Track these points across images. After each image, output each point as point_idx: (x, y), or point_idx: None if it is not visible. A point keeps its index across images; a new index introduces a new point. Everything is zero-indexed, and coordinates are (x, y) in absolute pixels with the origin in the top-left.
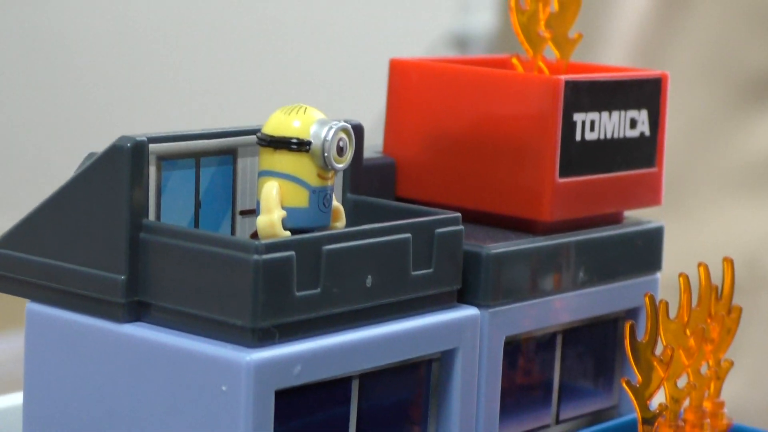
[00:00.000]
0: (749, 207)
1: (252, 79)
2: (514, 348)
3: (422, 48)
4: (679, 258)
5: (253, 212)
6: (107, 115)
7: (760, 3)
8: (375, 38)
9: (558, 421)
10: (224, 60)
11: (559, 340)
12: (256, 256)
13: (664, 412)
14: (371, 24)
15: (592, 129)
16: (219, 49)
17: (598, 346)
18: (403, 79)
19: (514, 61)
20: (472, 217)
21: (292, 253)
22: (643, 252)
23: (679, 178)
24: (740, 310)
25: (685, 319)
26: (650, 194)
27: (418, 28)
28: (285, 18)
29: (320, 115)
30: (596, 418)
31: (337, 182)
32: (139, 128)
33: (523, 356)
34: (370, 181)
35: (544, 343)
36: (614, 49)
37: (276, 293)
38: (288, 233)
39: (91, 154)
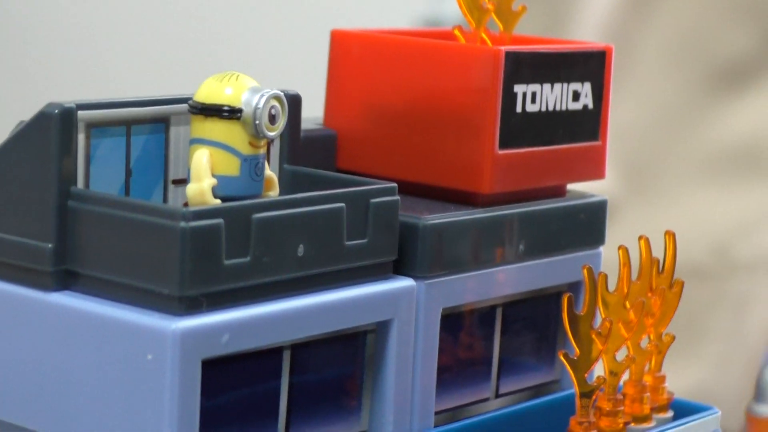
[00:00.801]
0: (718, 194)
1: (208, 52)
2: (452, 320)
3: None
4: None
5: (186, 181)
6: (37, 83)
7: None
8: (345, 21)
9: (498, 395)
10: (169, 27)
11: (499, 313)
12: (183, 224)
13: (603, 386)
14: (341, 8)
15: (533, 101)
16: (155, 13)
17: (539, 320)
18: (344, 50)
19: (457, 32)
20: (412, 190)
21: (221, 220)
22: (586, 226)
23: (648, 164)
24: (682, 284)
25: (625, 291)
26: (593, 168)
27: (389, 13)
28: None
29: (252, 83)
30: (537, 392)
31: (274, 153)
32: (69, 95)
33: (461, 329)
34: (311, 153)
35: (483, 315)
36: (584, 35)
37: (204, 261)
38: (218, 201)
39: (21, 123)
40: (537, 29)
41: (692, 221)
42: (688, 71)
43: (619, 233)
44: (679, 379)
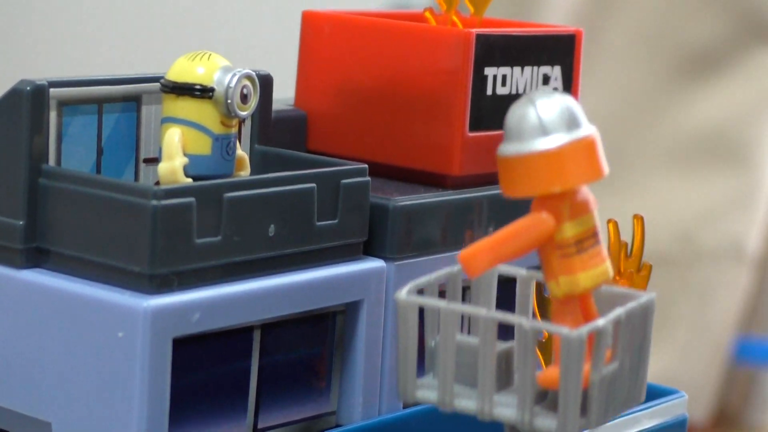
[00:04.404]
0: (683, 181)
1: (169, 28)
2: None
3: None
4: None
5: (157, 160)
6: (8, 61)
7: None
8: (317, 3)
9: None
10: (142, 5)
11: (468, 296)
12: (154, 202)
13: None
14: None
15: (503, 84)
16: None
17: (508, 301)
18: (315, 31)
19: (428, 14)
20: (383, 171)
21: (192, 199)
22: None
23: (615, 152)
24: (650, 267)
25: None
26: None
27: None
28: None
29: (224, 62)
30: None
31: (245, 133)
32: (41, 73)
33: None
34: (281, 134)
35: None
36: (552, 22)
37: (175, 240)
38: (190, 180)
39: None
40: (505, 15)
41: (657, 209)
42: (655, 59)
43: None
44: None
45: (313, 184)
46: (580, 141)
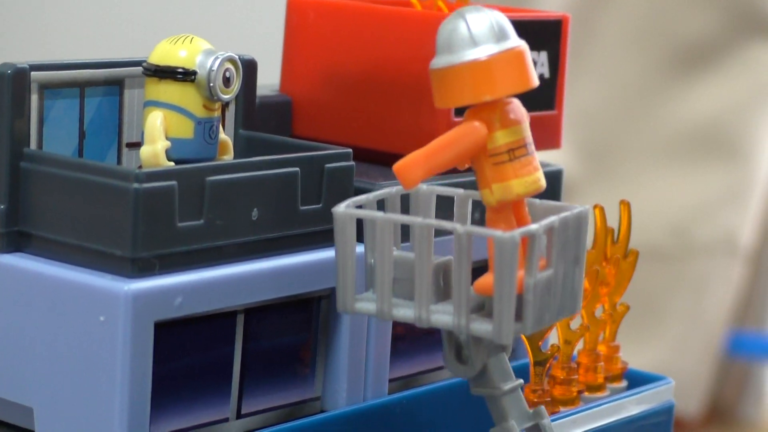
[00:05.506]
0: (677, 175)
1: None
2: None
3: None
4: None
5: (140, 145)
6: None
7: None
8: None
9: None
10: None
11: None
12: (136, 185)
13: (557, 354)
14: None
15: None
16: None
17: None
18: (300, 16)
19: None
20: (368, 157)
21: (174, 182)
22: (542, 194)
23: (608, 145)
24: (637, 253)
25: None
26: (549, 137)
27: None
28: None
29: (207, 45)
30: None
31: (229, 118)
32: (23, 56)
33: None
34: (266, 119)
35: None
36: None
37: (157, 223)
38: (172, 164)
39: None
40: (496, 3)
41: (652, 203)
42: (650, 53)
43: None
44: (638, 359)
45: (297, 168)
46: (509, 52)
